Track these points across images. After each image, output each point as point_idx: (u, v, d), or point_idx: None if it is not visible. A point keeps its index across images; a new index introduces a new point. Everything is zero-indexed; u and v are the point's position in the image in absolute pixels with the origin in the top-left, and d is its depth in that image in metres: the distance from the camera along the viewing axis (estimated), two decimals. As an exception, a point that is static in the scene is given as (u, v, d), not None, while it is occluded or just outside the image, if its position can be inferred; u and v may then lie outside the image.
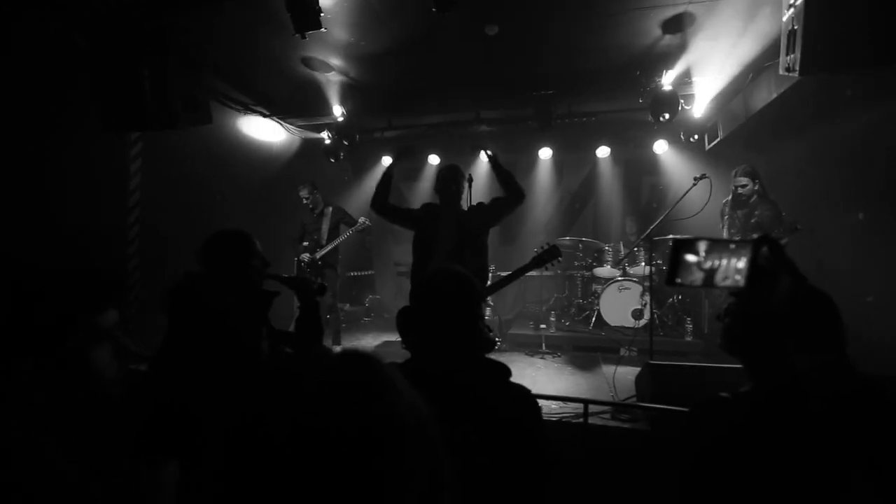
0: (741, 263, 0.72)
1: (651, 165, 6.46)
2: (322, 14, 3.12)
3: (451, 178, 3.08)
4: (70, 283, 0.59)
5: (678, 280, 0.75)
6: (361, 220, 4.84)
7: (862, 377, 0.68)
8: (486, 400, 1.10)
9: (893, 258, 3.30)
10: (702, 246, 0.74)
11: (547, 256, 2.87)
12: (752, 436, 1.01)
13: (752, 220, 3.84)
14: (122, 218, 3.94)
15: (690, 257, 0.74)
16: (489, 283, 3.40)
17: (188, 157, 4.59)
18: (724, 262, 0.72)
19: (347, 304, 6.63)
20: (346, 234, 4.80)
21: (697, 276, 0.74)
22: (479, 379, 1.15)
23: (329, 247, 4.76)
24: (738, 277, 0.72)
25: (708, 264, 0.74)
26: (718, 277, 0.73)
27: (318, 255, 4.75)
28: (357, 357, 0.51)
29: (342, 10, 3.66)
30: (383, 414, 0.47)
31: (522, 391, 1.16)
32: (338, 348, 4.07)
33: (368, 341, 5.43)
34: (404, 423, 0.47)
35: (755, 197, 3.90)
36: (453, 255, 2.89)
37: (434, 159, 6.96)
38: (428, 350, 1.18)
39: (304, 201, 4.86)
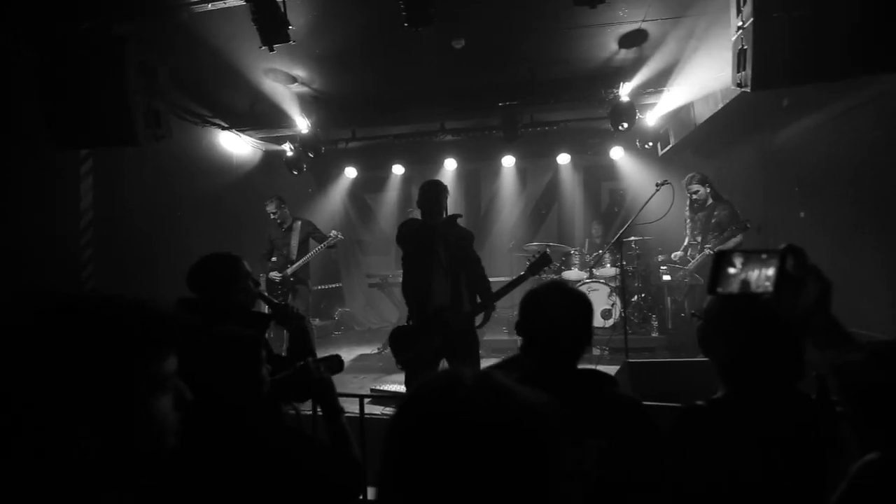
0: (770, 271, 0.79)
1: (609, 171, 6.77)
2: (290, 27, 3.09)
3: (438, 197, 2.96)
4: (121, 321, 0.55)
5: (719, 289, 0.82)
6: (333, 233, 4.77)
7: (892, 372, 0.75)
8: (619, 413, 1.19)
9: (835, 252, 3.63)
10: (739, 258, 0.81)
11: (540, 263, 3.01)
12: (730, 441, 1.11)
13: (713, 221, 4.12)
14: (74, 240, 3.68)
15: (731, 269, 0.80)
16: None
17: (143, 172, 4.36)
18: (757, 271, 0.79)
19: (317, 319, 6.47)
20: (317, 249, 4.72)
21: (735, 285, 0.81)
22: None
23: (300, 262, 4.66)
24: (767, 284, 0.79)
25: (744, 275, 0.80)
26: (752, 285, 0.80)
27: (289, 272, 4.63)
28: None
29: (309, 22, 3.62)
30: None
31: (636, 402, 1.25)
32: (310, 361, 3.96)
33: (342, 356, 5.31)
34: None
35: (710, 200, 4.19)
36: (451, 272, 2.88)
37: (398, 169, 6.96)
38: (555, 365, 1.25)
39: (272, 216, 4.74)
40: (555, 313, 1.25)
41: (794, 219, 4.35)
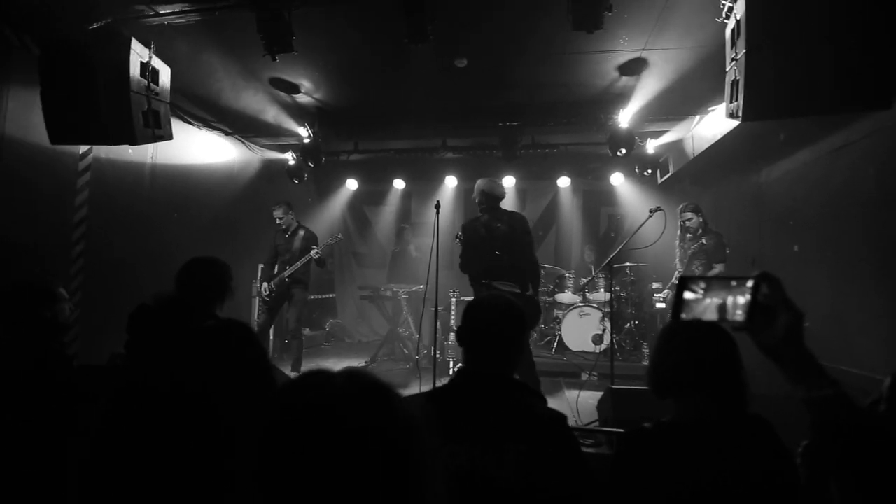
0: (742, 300, 0.76)
1: (608, 196, 6.79)
2: (294, 38, 3.15)
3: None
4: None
5: (682, 315, 0.80)
6: (313, 251, 4.64)
7: (863, 412, 0.73)
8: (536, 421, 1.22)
9: (829, 287, 3.60)
10: (700, 284, 0.78)
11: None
12: (672, 462, 1.10)
13: (700, 249, 4.15)
14: (66, 235, 3.68)
15: (689, 294, 0.78)
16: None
17: (142, 173, 4.39)
18: (729, 298, 0.77)
19: (307, 329, 6.42)
20: (319, 247, 4.68)
21: (699, 312, 0.78)
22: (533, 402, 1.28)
23: (298, 264, 4.63)
24: (739, 313, 0.76)
25: (707, 301, 0.78)
26: (721, 313, 0.78)
27: (286, 274, 4.62)
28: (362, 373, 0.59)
29: (315, 35, 3.69)
30: (398, 415, 0.54)
31: (560, 415, 1.29)
32: (294, 376, 3.92)
33: (330, 366, 5.26)
34: (414, 424, 0.55)
35: (700, 229, 4.22)
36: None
37: (399, 184, 7.00)
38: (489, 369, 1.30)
39: (278, 221, 4.75)
40: (484, 321, 1.32)
41: (788, 252, 4.33)
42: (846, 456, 0.72)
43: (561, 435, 1.23)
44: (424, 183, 6.92)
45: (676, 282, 3.85)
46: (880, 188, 3.19)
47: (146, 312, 1.63)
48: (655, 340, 1.24)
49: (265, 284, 4.65)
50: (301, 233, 4.78)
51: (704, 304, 0.78)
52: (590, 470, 1.22)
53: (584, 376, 4.46)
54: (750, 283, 0.76)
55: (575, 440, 1.25)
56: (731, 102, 2.65)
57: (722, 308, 0.76)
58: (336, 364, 5.33)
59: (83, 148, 3.80)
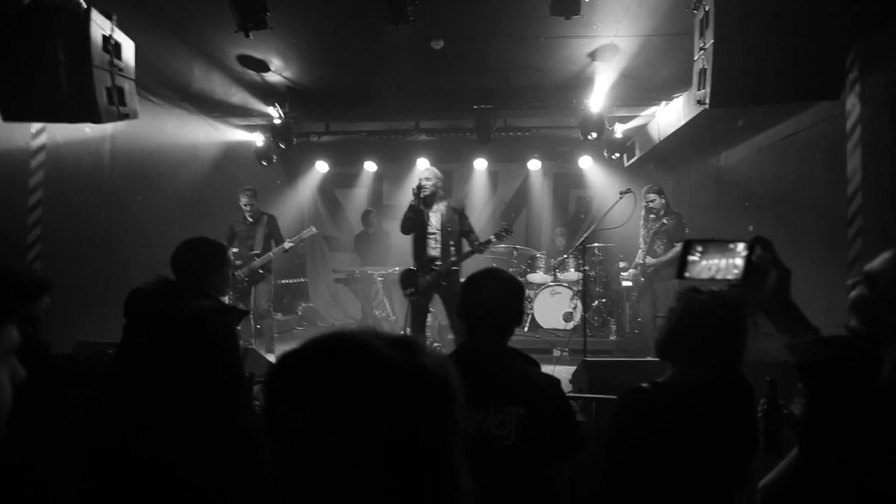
0: (738, 260, 0.86)
1: (577, 179, 6.98)
2: (268, 14, 3.05)
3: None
4: None
5: (686, 274, 0.88)
6: (310, 228, 4.80)
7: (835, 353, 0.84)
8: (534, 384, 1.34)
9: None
10: (699, 247, 0.88)
11: (502, 233, 3.90)
12: (671, 418, 1.23)
13: (662, 229, 4.37)
14: (21, 218, 3.47)
15: (692, 257, 0.87)
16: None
17: (101, 152, 4.16)
18: (725, 259, 0.87)
19: (279, 314, 6.34)
20: (295, 239, 4.69)
21: (698, 271, 0.87)
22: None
23: (270, 254, 4.60)
24: (736, 272, 0.86)
25: (706, 262, 0.87)
26: (721, 273, 0.87)
27: (256, 264, 4.56)
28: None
29: (286, 10, 3.57)
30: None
31: (555, 380, 1.41)
32: (271, 357, 3.90)
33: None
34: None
35: (662, 210, 4.44)
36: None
37: (371, 166, 6.93)
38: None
39: (246, 208, 4.64)
40: (489, 294, 1.40)
41: (743, 232, 4.63)
42: (820, 387, 0.84)
43: (557, 397, 1.37)
44: (396, 165, 6.88)
45: (641, 260, 4.09)
46: (826, 172, 3.47)
47: (140, 296, 1.61)
48: (676, 311, 1.31)
49: (238, 272, 4.57)
50: (264, 218, 4.72)
51: (703, 264, 0.88)
52: (579, 426, 1.34)
53: (557, 352, 4.66)
54: (744, 246, 0.86)
55: (568, 401, 1.38)
56: (698, 90, 2.80)
57: (720, 267, 0.87)
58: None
59: (36, 127, 3.57)
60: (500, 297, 1.39)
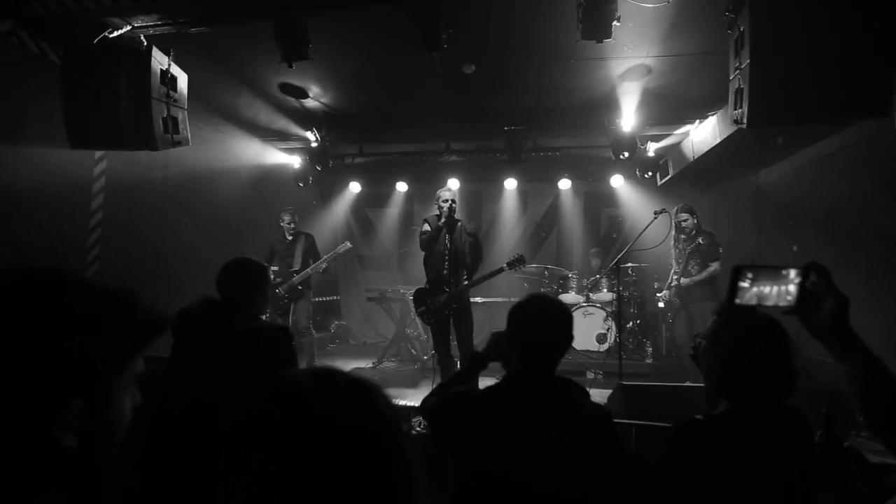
0: (791, 287, 0.84)
1: (609, 198, 6.91)
2: (310, 45, 3.22)
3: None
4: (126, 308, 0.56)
5: (736, 301, 0.86)
6: (345, 243, 5.00)
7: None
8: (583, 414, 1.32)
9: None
10: (749, 273, 0.86)
11: (516, 262, 3.82)
12: (727, 454, 1.17)
13: (696, 249, 4.27)
14: (82, 238, 3.73)
15: (743, 283, 0.86)
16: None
17: (154, 176, 4.44)
18: (777, 286, 0.85)
19: (314, 331, 6.48)
20: (329, 256, 4.88)
21: (750, 298, 0.86)
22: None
23: (309, 271, 4.76)
24: (789, 298, 0.84)
25: (757, 289, 0.86)
26: (771, 299, 0.85)
27: (295, 281, 4.72)
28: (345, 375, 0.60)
29: (325, 41, 3.76)
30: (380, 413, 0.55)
31: (606, 412, 1.39)
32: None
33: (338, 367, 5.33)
34: (394, 420, 0.56)
35: (694, 230, 4.35)
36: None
37: (402, 186, 7.08)
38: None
39: (289, 226, 4.84)
40: (543, 321, 1.38)
41: (787, 252, 4.46)
42: (888, 420, 0.80)
43: (609, 430, 1.34)
44: (427, 185, 7.00)
45: (674, 281, 4.00)
46: (873, 192, 3.33)
47: (187, 315, 1.70)
48: (724, 344, 1.24)
49: (278, 290, 4.73)
50: (303, 237, 4.90)
51: (755, 290, 0.85)
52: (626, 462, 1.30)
53: (591, 374, 4.56)
54: (796, 272, 0.84)
55: (619, 438, 1.34)
56: (735, 109, 2.76)
57: (771, 295, 0.85)
58: (343, 365, 5.39)
59: (97, 154, 3.86)
60: (554, 322, 1.38)
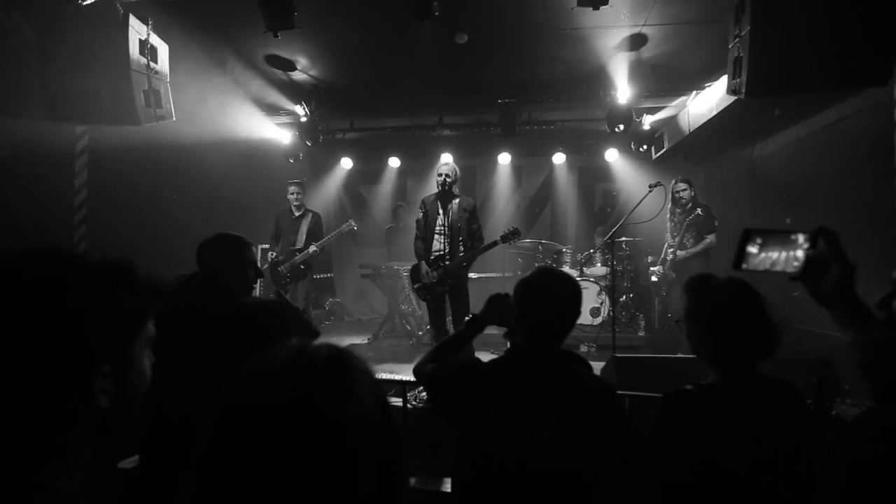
0: (799, 253, 0.82)
1: (603, 173, 6.85)
2: (296, 13, 3.09)
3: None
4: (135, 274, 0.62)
5: (744, 266, 0.84)
6: (350, 222, 4.98)
7: None
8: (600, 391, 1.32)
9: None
10: (758, 238, 0.84)
11: (511, 235, 3.75)
12: (716, 422, 1.18)
13: (691, 220, 4.26)
14: (67, 217, 3.65)
15: (751, 248, 0.84)
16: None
17: (139, 152, 4.32)
18: (785, 252, 0.83)
19: (310, 307, 6.48)
20: (333, 235, 4.87)
21: (757, 263, 0.84)
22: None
23: (308, 251, 4.71)
24: (796, 265, 0.82)
25: (765, 254, 0.83)
26: (779, 265, 0.83)
27: (298, 260, 4.67)
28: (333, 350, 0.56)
29: (313, 10, 3.62)
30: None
31: (611, 386, 1.38)
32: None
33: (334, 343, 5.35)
34: (362, 415, 0.51)
35: (691, 202, 4.33)
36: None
37: (394, 162, 6.97)
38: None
39: (296, 198, 4.75)
40: (552, 296, 1.33)
41: (780, 225, 4.47)
42: (891, 387, 0.79)
43: (614, 404, 1.34)
44: (420, 160, 6.90)
45: (669, 255, 4.00)
46: (871, 163, 3.30)
47: (185, 280, 1.67)
48: (701, 320, 1.26)
49: (280, 268, 4.69)
50: (310, 215, 4.81)
51: (763, 256, 0.83)
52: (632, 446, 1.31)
53: (584, 348, 4.61)
54: (805, 237, 0.81)
55: (624, 413, 1.36)
56: (733, 79, 2.71)
57: (779, 260, 0.82)
58: (339, 342, 5.39)
59: (79, 129, 3.73)
60: (563, 298, 1.34)
